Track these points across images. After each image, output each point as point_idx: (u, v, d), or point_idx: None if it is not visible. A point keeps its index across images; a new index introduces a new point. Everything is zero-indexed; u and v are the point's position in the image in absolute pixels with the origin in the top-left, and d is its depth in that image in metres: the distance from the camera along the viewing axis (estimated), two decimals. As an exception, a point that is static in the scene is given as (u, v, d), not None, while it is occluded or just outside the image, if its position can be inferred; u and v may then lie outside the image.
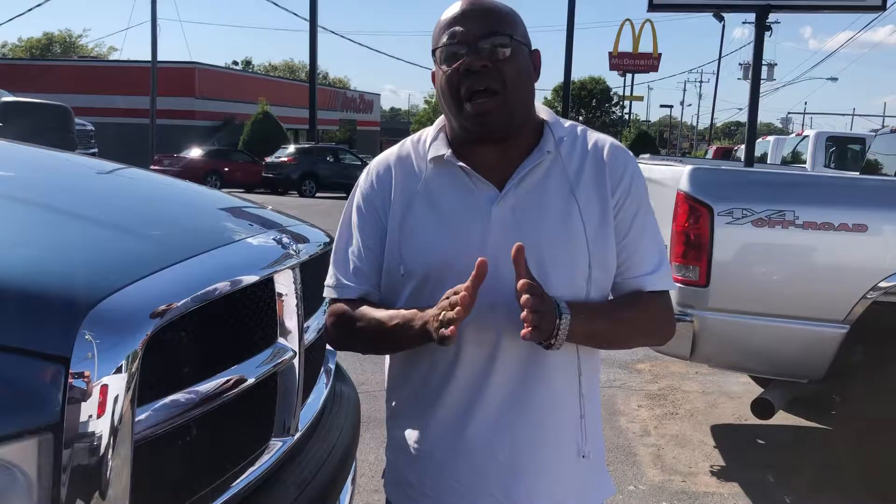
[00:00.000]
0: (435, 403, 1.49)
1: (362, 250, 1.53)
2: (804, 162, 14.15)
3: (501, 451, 1.45)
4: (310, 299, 1.91)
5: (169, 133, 32.99)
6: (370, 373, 5.25)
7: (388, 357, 1.62)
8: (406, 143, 1.58)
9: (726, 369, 4.99)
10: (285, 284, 1.72)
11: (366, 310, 1.50)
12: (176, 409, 1.30)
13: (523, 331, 1.28)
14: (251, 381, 1.53)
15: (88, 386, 1.13)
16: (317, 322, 2.02)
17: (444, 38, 1.43)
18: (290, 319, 1.74)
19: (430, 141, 1.53)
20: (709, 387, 5.64)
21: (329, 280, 1.59)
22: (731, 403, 5.28)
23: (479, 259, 1.28)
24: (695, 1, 10.08)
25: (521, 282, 1.27)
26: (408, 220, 1.48)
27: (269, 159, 26.47)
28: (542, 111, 1.54)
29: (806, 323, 3.53)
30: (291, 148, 27.61)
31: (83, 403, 1.12)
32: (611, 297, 1.51)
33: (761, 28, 9.76)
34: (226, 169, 27.42)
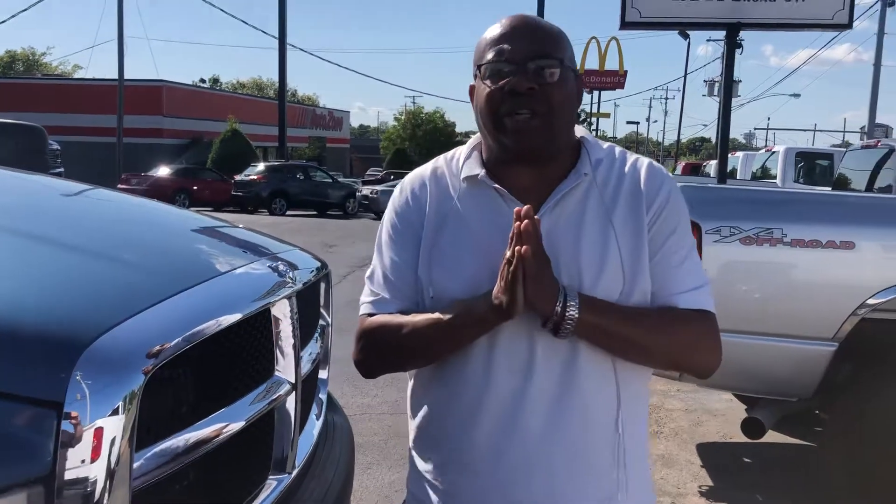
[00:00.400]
0: (463, 436, 1.40)
1: (399, 267, 1.46)
2: (774, 177, 14.32)
3: (536, 488, 1.37)
4: (303, 328, 1.83)
5: (136, 152, 32.61)
6: (372, 396, 5.16)
7: (410, 385, 1.54)
8: (440, 161, 1.52)
9: (716, 389, 4.95)
10: (282, 315, 1.64)
11: (410, 316, 1.42)
12: (175, 452, 1.22)
13: (497, 288, 1.27)
14: (250, 416, 1.45)
15: (80, 430, 1.05)
16: (310, 352, 1.94)
17: (491, 55, 1.37)
18: (287, 351, 1.66)
19: (463, 159, 1.47)
20: (692, 404, 5.62)
21: (365, 297, 1.51)
22: (715, 421, 5.25)
23: (535, 218, 1.26)
24: (666, 19, 10.13)
25: (525, 248, 1.24)
26: (439, 242, 1.42)
27: (238, 177, 26.27)
28: (580, 131, 1.49)
29: (795, 341, 3.51)
30: (261, 166, 27.45)
31: (77, 450, 1.04)
32: None
33: (732, 45, 9.85)
34: (194, 187, 27.14)
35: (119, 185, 22.98)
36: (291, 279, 1.74)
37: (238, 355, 1.51)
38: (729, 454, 4.72)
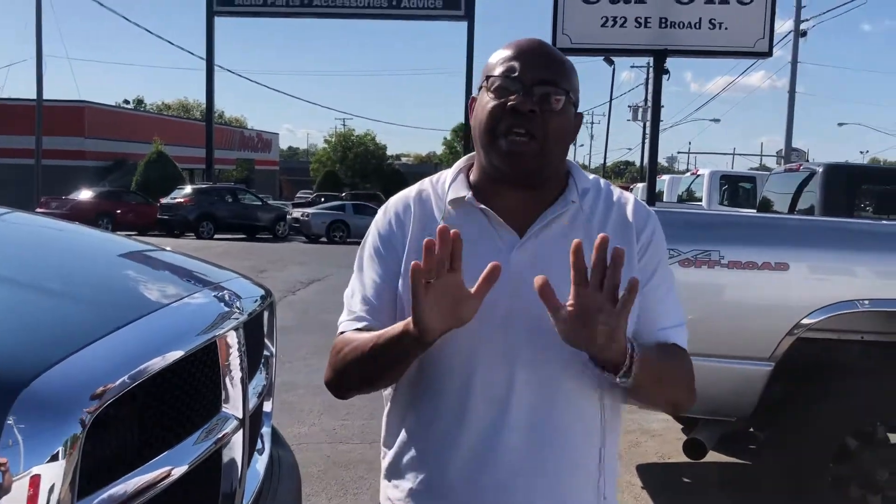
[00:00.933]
0: (438, 464, 1.37)
1: (380, 288, 1.43)
2: (699, 199, 14.71)
3: None
4: (249, 361, 1.75)
5: (56, 174, 31.49)
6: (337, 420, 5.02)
7: (385, 411, 1.50)
8: (425, 183, 1.50)
9: (657, 410, 4.99)
10: (229, 347, 1.56)
11: (362, 333, 1.38)
12: (121, 498, 1.13)
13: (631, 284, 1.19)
14: (197, 456, 1.37)
15: (10, 479, 0.96)
16: (256, 384, 1.86)
17: (501, 69, 1.37)
18: (235, 385, 1.58)
19: (449, 182, 1.46)
20: (629, 426, 5.65)
21: (344, 317, 1.46)
22: (653, 442, 5.30)
23: (493, 263, 1.21)
24: (597, 45, 10.38)
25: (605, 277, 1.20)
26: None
27: (164, 200, 25.63)
28: (566, 161, 1.49)
29: (734, 362, 3.57)
30: (188, 188, 26.86)
31: (10, 500, 0.96)
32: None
33: (659, 71, 10.15)
34: (118, 211, 26.33)
35: (37, 209, 22.14)
36: (238, 310, 1.67)
37: (184, 391, 1.42)
38: (669, 475, 4.76)
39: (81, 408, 1.05)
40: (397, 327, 1.29)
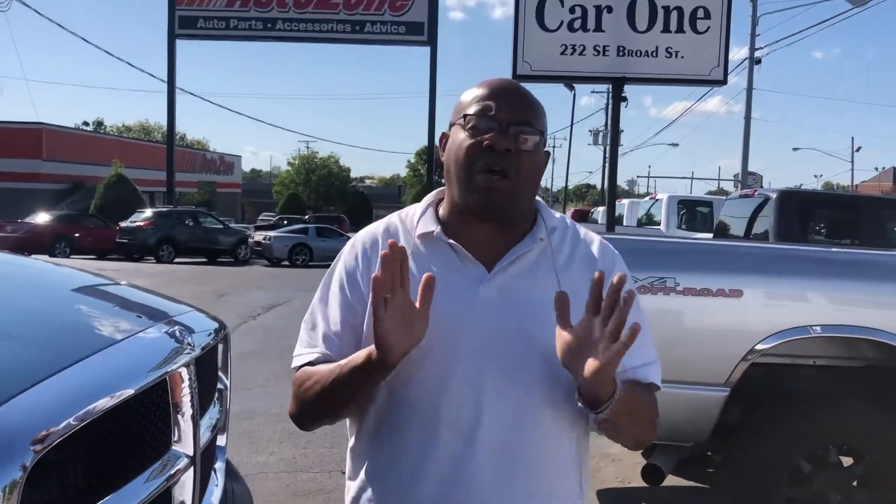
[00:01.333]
0: (406, 495, 1.37)
1: (339, 323, 1.44)
2: (658, 223, 14.93)
3: None
4: (202, 395, 1.73)
5: (12, 197, 30.93)
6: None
7: (350, 443, 1.50)
8: (394, 217, 1.52)
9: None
10: (180, 384, 1.55)
11: (323, 365, 1.39)
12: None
13: (608, 359, 1.22)
14: (146, 497, 1.34)
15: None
16: (209, 419, 1.84)
17: (477, 107, 1.40)
18: (186, 422, 1.56)
19: (418, 216, 1.47)
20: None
21: (302, 348, 1.47)
22: (613, 467, 5.32)
23: (427, 275, 1.24)
24: (556, 72, 10.53)
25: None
26: None
27: (123, 224, 25.23)
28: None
29: (690, 387, 3.60)
30: (148, 211, 26.49)
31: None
32: None
33: (618, 98, 10.32)
34: (76, 235, 25.85)
35: (-8, 233, 21.67)
36: (189, 345, 1.65)
37: (132, 430, 1.40)
38: (628, 499, 4.78)
39: (23, 452, 1.03)
40: (360, 354, 1.30)
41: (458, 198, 1.42)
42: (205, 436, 1.74)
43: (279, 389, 6.67)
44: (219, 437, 2.02)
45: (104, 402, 1.23)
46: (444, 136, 1.47)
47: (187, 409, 1.57)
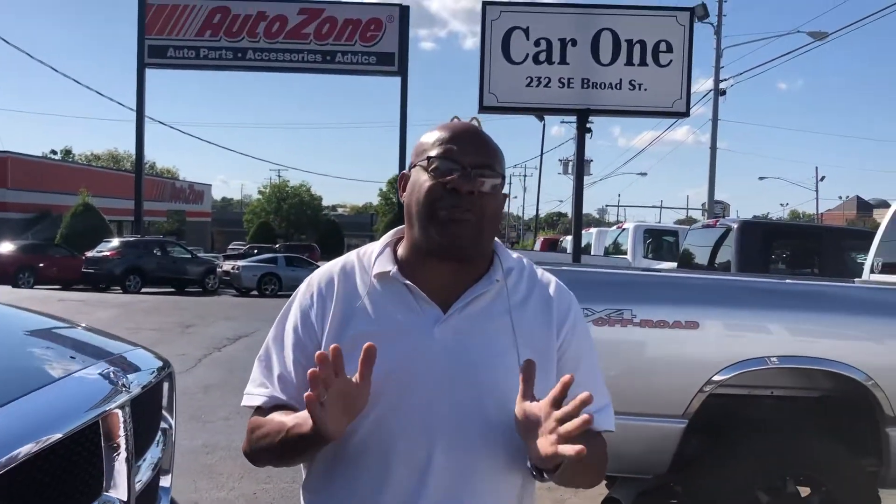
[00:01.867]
0: None
1: (293, 363, 1.44)
2: (625, 252, 15.05)
3: None
4: (141, 435, 1.70)
5: (-25, 227, 30.44)
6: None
7: (303, 477, 1.49)
8: (351, 257, 1.52)
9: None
10: (114, 426, 1.52)
11: (273, 415, 1.39)
12: None
13: (577, 448, 1.17)
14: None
15: None
16: (150, 459, 1.80)
17: (439, 150, 1.41)
18: (119, 465, 1.53)
19: (375, 255, 1.47)
20: (553, 483, 5.65)
21: (254, 387, 1.47)
22: (576, 499, 5.30)
23: (367, 344, 1.22)
24: (522, 104, 10.64)
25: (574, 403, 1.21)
26: (345, 336, 1.39)
27: (89, 254, 24.90)
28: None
29: (648, 419, 3.61)
30: (115, 241, 26.16)
31: None
32: None
33: (583, 129, 10.45)
34: (40, 265, 25.43)
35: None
36: (126, 385, 1.62)
37: (61, 476, 1.37)
38: (591, 532, 4.74)
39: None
40: (304, 427, 1.28)
41: (419, 236, 1.42)
42: (145, 474, 1.71)
43: (242, 423, 6.55)
44: (162, 478, 1.99)
45: (27, 448, 1.20)
46: (405, 177, 1.48)
47: (122, 452, 1.54)
